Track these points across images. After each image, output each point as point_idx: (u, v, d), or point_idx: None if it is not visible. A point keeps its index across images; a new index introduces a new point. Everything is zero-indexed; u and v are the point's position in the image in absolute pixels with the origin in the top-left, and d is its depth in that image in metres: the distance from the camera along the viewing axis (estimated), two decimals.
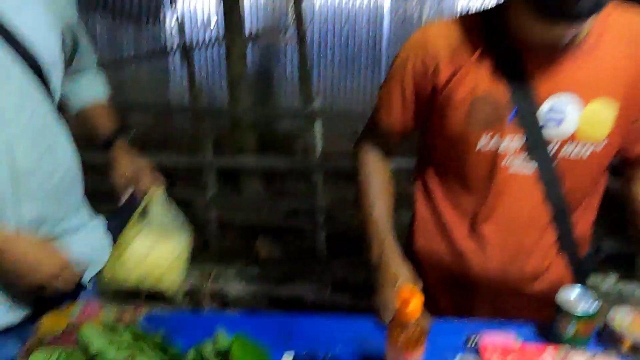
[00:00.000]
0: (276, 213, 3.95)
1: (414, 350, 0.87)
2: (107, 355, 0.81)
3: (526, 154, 1.03)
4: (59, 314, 1.04)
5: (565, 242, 1.10)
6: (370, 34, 5.60)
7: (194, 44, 5.16)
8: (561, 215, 1.08)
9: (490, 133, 1.03)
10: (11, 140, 0.95)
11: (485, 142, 1.04)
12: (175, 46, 5.57)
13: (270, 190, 4.59)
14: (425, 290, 1.20)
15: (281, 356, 0.97)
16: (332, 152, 3.83)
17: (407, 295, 0.85)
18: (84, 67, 1.26)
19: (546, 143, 1.02)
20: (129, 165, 1.22)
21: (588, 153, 1.02)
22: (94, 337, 0.83)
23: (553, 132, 1.02)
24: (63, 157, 1.11)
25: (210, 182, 3.54)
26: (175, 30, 5.46)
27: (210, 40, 5.48)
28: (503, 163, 1.05)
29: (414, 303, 0.85)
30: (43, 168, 1.00)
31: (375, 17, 5.55)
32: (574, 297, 1.00)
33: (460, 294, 1.18)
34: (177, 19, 5.29)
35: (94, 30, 5.56)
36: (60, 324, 1.01)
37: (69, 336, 0.97)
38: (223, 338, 0.97)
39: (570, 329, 0.98)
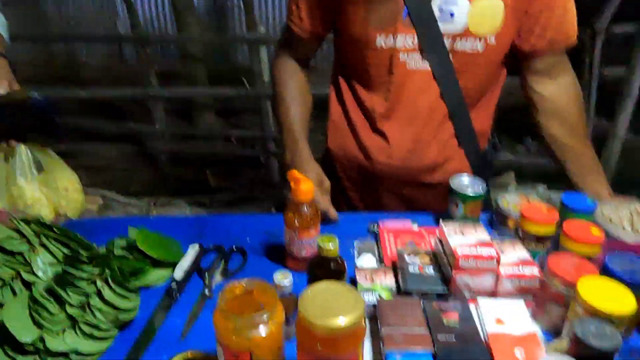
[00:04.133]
0: (229, 144, 3.96)
1: (307, 231, 0.93)
2: (10, 244, 0.84)
3: (422, 50, 1.07)
4: None
5: (464, 136, 1.17)
6: None
7: None
8: (458, 110, 1.13)
9: (386, 31, 1.06)
10: None
11: (382, 40, 1.08)
12: None
13: (225, 123, 4.56)
14: (340, 188, 1.28)
15: None
16: None
17: (298, 178, 0.90)
18: None
19: (440, 39, 1.05)
20: None
21: (481, 47, 1.06)
22: None
23: (445, 28, 1.05)
24: None
25: (158, 115, 3.49)
26: None
27: None
28: (401, 59, 1.08)
29: (305, 185, 0.90)
30: None
31: None
32: (465, 181, 1.08)
33: (369, 188, 1.25)
34: None
35: None
36: None
37: None
38: (133, 233, 1.02)
39: (460, 209, 1.06)
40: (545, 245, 0.94)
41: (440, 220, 0.92)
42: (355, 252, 1.02)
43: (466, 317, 0.78)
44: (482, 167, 1.22)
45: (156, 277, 0.94)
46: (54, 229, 0.89)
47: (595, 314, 0.69)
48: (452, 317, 0.78)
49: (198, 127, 4.20)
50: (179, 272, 0.93)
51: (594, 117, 3.26)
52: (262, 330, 0.63)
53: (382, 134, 1.16)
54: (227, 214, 1.21)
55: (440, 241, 0.90)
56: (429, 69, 1.08)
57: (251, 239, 1.08)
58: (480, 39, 1.05)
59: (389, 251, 0.99)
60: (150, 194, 3.50)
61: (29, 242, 0.87)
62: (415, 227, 1.09)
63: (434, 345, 0.72)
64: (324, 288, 0.66)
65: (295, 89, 1.24)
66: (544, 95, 1.16)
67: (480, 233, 0.87)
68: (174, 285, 0.91)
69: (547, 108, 1.17)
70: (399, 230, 1.06)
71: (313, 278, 0.81)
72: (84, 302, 0.77)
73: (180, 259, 0.98)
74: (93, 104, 4.22)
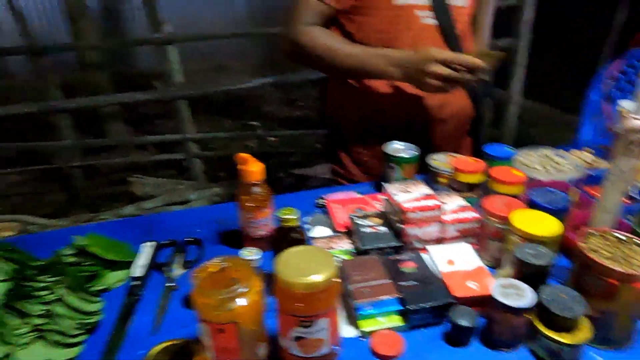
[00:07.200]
0: (145, 152, 3.81)
1: (262, 211, 0.95)
2: None
3: (431, 6, 1.20)
4: None
5: None
6: None
7: None
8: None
9: None
10: None
11: None
12: None
13: (137, 131, 4.38)
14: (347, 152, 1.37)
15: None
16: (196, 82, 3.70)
17: (245, 158, 0.92)
18: None
19: None
20: None
21: (465, 1, 1.26)
22: None
23: None
24: None
25: (64, 130, 3.27)
26: None
27: None
28: (415, 14, 1.19)
29: (254, 165, 0.93)
30: None
31: None
32: (399, 146, 1.16)
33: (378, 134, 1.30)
34: None
35: None
36: None
37: None
38: (79, 239, 0.98)
39: (397, 173, 1.14)
40: (477, 193, 1.04)
41: (383, 184, 0.99)
42: (309, 227, 1.06)
43: (422, 264, 0.86)
44: (480, 102, 1.41)
45: (114, 279, 0.91)
46: None
47: (530, 239, 0.79)
48: (409, 266, 0.85)
49: (110, 138, 4.00)
50: (137, 270, 0.92)
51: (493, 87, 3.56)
52: (244, 300, 0.66)
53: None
54: (171, 212, 1.19)
55: (387, 201, 0.97)
56: (436, 23, 1.21)
57: (202, 230, 1.08)
58: None
59: (340, 219, 1.04)
60: (65, 215, 3.28)
61: None
62: (358, 195, 1.16)
63: (399, 292, 0.79)
64: (296, 252, 0.70)
65: (340, 39, 1.22)
66: None
67: (421, 188, 0.95)
68: (135, 283, 0.89)
69: None
70: (345, 200, 1.12)
71: (277, 249, 0.84)
72: (47, 311, 0.74)
73: (133, 258, 0.96)
74: None
